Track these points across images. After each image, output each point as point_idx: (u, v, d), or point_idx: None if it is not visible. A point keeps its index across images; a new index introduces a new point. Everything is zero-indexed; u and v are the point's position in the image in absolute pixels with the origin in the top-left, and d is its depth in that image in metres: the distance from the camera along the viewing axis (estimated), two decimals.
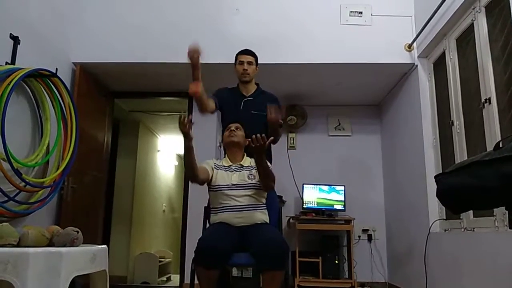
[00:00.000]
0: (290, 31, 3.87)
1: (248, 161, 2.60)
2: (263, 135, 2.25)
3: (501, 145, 1.54)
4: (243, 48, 2.98)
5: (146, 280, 5.25)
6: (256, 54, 2.98)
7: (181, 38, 3.85)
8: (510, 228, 1.59)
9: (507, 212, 1.55)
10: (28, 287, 1.54)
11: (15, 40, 2.95)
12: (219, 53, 3.77)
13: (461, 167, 1.62)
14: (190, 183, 4.37)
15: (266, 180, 2.43)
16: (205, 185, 2.56)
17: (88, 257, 1.83)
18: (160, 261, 5.59)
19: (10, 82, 2.64)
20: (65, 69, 3.70)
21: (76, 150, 3.25)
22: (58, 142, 3.20)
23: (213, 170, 2.53)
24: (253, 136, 2.25)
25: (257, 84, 3.02)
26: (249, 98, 2.92)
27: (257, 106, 2.87)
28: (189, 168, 2.36)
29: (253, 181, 2.47)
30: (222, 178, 2.50)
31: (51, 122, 3.21)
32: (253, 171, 2.51)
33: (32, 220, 2.95)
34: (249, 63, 2.91)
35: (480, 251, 2.64)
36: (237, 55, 2.96)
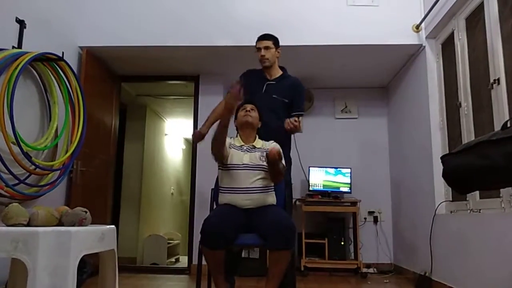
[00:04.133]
0: (297, 12, 3.82)
1: (260, 143, 2.61)
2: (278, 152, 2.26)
3: (508, 125, 1.53)
4: (261, 34, 2.96)
5: (155, 261, 5.35)
6: (275, 36, 2.95)
7: (189, 21, 3.85)
8: None
9: None
10: (38, 264, 1.59)
11: (21, 24, 2.95)
12: (227, 36, 3.75)
13: (468, 147, 1.62)
14: (196, 166, 4.45)
15: (275, 178, 2.49)
16: (214, 162, 2.58)
17: (97, 236, 1.86)
18: (168, 243, 5.69)
19: (17, 66, 2.66)
20: (72, 53, 3.71)
21: (84, 134, 3.28)
22: (66, 125, 3.23)
23: (229, 149, 2.54)
24: (269, 152, 2.26)
25: (283, 68, 3.00)
26: (271, 82, 2.92)
27: (278, 90, 2.87)
28: (220, 143, 2.39)
29: (264, 163, 2.48)
30: (234, 157, 2.51)
31: (59, 106, 3.24)
32: (265, 153, 2.52)
33: (42, 203, 3.00)
34: (266, 48, 2.89)
35: (486, 232, 2.64)
36: (256, 42, 2.94)
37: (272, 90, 2.87)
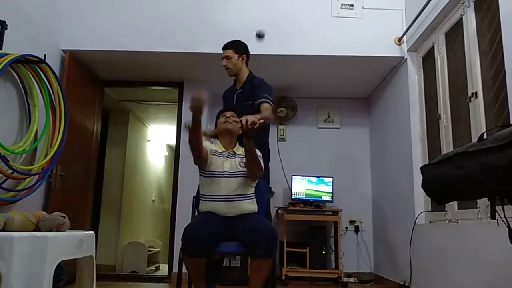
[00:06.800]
0: (282, 23, 3.86)
1: (241, 149, 2.61)
2: (253, 119, 2.18)
3: (485, 137, 1.57)
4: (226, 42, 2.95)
5: (135, 269, 5.27)
6: (237, 42, 2.92)
7: (173, 28, 3.85)
8: (492, 218, 1.63)
9: (489, 203, 1.59)
10: (13, 270, 1.54)
11: (3, 24, 2.89)
12: (210, 43, 3.76)
13: (446, 158, 1.65)
14: (179, 173, 4.41)
15: (252, 166, 2.42)
16: (197, 169, 2.57)
17: (74, 242, 1.83)
18: (149, 251, 5.62)
19: None
20: (54, 56, 3.65)
21: (64, 138, 3.23)
22: (47, 129, 3.17)
23: (210, 154, 2.53)
24: (243, 118, 2.20)
25: (249, 72, 2.97)
26: (240, 90, 2.91)
27: (246, 96, 2.86)
28: (195, 144, 2.37)
29: (244, 169, 2.48)
30: (216, 164, 2.50)
31: (40, 109, 3.18)
32: (245, 159, 2.52)
33: (20, 208, 2.93)
34: (227, 57, 2.87)
35: (463, 242, 2.69)
36: None
37: (242, 98, 2.87)
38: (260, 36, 2.67)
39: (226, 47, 2.91)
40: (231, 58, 2.87)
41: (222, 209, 2.43)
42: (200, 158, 2.44)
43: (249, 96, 2.84)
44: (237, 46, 2.92)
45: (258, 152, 2.50)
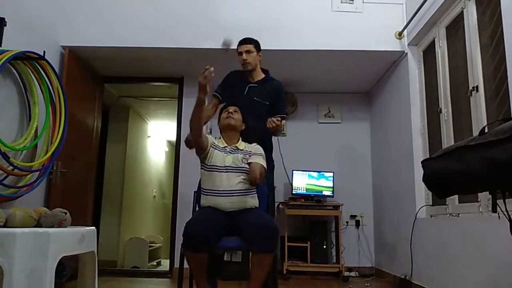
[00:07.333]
0: (281, 18, 3.85)
1: (243, 145, 2.61)
2: (262, 172, 2.39)
3: (486, 131, 1.56)
4: (242, 38, 2.95)
5: (136, 264, 5.29)
6: (256, 40, 2.94)
7: (173, 23, 3.84)
8: (493, 212, 1.63)
9: (491, 197, 1.59)
10: (15, 266, 1.55)
11: (1, 21, 2.88)
12: (211, 38, 3.75)
13: (447, 152, 1.64)
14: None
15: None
16: (198, 164, 2.56)
17: (76, 238, 1.83)
18: (150, 246, 5.64)
19: None
20: (54, 52, 3.64)
21: (65, 135, 3.22)
22: (47, 126, 3.17)
23: (211, 147, 2.53)
24: (253, 172, 2.36)
25: (265, 71, 3.00)
26: (253, 85, 2.91)
27: (260, 93, 2.87)
28: (196, 124, 2.38)
29: (246, 165, 2.48)
30: (217, 158, 2.49)
31: (40, 106, 3.17)
32: (247, 155, 2.52)
33: (21, 204, 2.92)
34: (247, 51, 2.88)
35: (464, 235, 2.70)
36: (237, 46, 2.93)
37: (254, 92, 2.87)
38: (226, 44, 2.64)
39: (247, 42, 2.91)
40: (251, 53, 2.89)
41: (224, 204, 2.43)
42: (200, 142, 2.44)
43: (262, 94, 2.86)
44: (257, 43, 2.95)
45: (261, 150, 2.52)
